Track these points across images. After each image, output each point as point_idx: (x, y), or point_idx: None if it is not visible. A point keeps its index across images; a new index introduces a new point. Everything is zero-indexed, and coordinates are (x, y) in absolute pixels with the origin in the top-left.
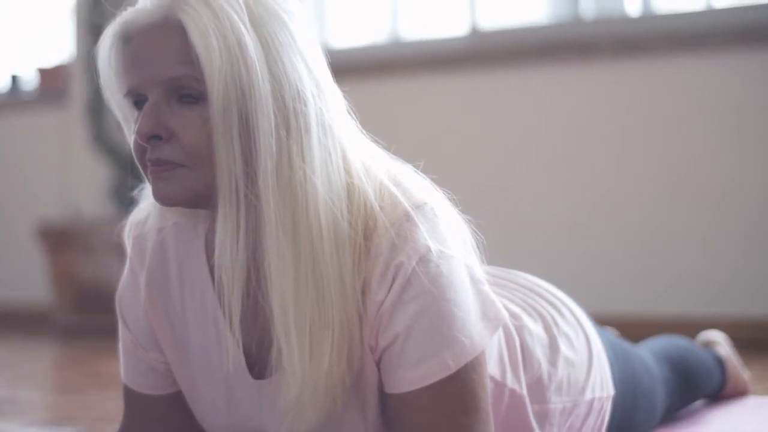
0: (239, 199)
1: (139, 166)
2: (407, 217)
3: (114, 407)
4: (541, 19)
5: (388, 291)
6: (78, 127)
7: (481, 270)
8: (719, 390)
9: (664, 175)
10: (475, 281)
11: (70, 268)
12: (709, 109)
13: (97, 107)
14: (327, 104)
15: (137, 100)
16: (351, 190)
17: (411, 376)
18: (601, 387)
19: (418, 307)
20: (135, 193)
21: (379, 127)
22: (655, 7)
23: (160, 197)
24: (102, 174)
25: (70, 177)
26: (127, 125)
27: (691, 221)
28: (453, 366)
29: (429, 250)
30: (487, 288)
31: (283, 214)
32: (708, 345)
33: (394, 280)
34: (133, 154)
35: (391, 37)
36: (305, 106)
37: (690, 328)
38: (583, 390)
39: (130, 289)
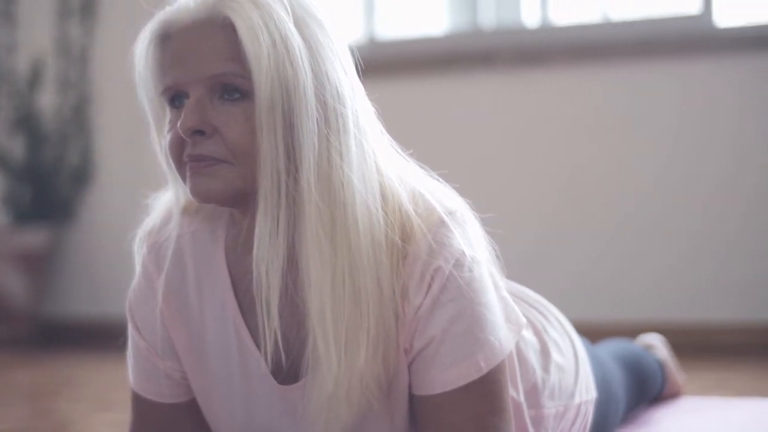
0: (280, 195)
1: (173, 163)
2: (442, 222)
3: (44, 420)
4: (441, 29)
5: (426, 294)
6: None
7: (498, 276)
8: (659, 392)
9: (562, 181)
10: (497, 287)
11: None
12: (606, 118)
13: None
14: (361, 106)
15: (175, 97)
16: (385, 192)
17: (444, 378)
18: (587, 390)
19: (454, 310)
20: (148, 201)
21: None
22: (553, 19)
23: (201, 193)
24: None
25: None
26: (158, 124)
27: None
28: (485, 368)
29: (464, 255)
30: (506, 294)
31: (322, 210)
32: (647, 349)
33: (431, 283)
34: (168, 150)
35: None
36: (344, 106)
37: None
38: (572, 394)
39: (143, 296)
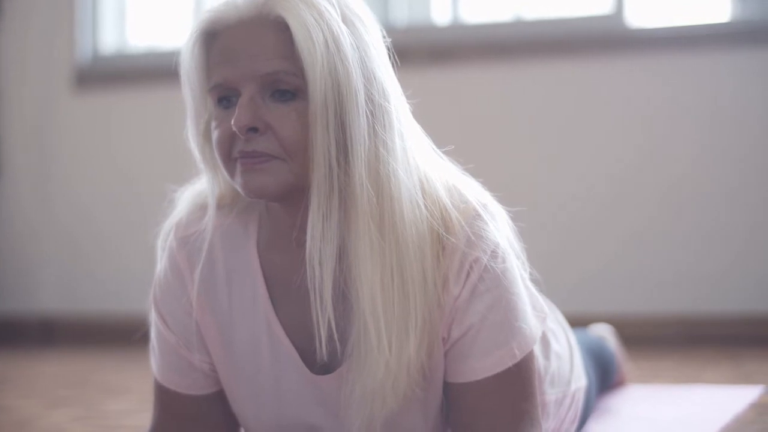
0: (333, 190)
1: (221, 160)
2: (478, 215)
3: None
4: None
5: (464, 284)
6: None
7: (522, 266)
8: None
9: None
10: (522, 277)
11: None
12: (517, 116)
13: None
14: (400, 102)
15: (224, 95)
16: (423, 185)
17: (481, 366)
18: (579, 378)
19: (491, 299)
20: (173, 196)
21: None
22: (465, 18)
23: (254, 189)
24: None
25: None
26: (197, 120)
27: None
28: (518, 355)
29: (498, 246)
30: (530, 283)
31: (372, 204)
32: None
33: (469, 274)
34: (216, 146)
35: (118, 48)
36: (388, 102)
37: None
38: (569, 381)
39: (171, 290)
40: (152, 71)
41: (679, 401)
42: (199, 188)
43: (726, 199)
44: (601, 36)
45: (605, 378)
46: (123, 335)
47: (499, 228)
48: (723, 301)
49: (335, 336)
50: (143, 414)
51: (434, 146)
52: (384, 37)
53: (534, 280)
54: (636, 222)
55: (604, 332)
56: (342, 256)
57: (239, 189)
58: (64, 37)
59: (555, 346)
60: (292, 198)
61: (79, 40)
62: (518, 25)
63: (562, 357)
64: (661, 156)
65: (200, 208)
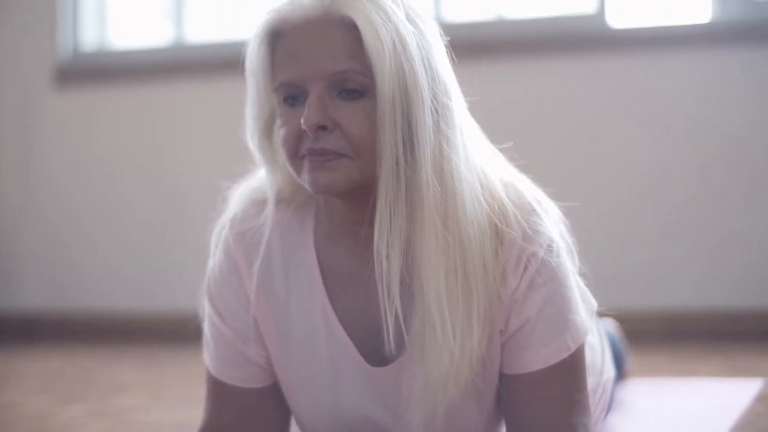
0: (399, 187)
1: (287, 157)
2: (533, 210)
3: None
4: None
5: (521, 278)
6: None
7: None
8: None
9: None
10: (572, 271)
11: None
12: (498, 117)
13: None
14: (460, 100)
15: (290, 94)
16: (482, 181)
17: (537, 357)
18: (609, 368)
19: (548, 292)
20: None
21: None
22: (446, 16)
23: (322, 186)
24: None
25: None
26: (259, 117)
27: None
28: (572, 347)
29: (553, 241)
30: (579, 277)
31: (438, 199)
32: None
33: (526, 267)
34: (283, 144)
35: (99, 45)
36: (450, 100)
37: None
38: (601, 371)
39: (227, 285)
40: (134, 68)
41: (684, 394)
42: (252, 185)
43: (716, 198)
44: (583, 36)
45: (617, 371)
46: (108, 332)
47: (553, 223)
48: (707, 298)
49: (402, 328)
50: (156, 410)
51: (491, 142)
52: (442, 35)
53: (582, 274)
54: (627, 221)
55: (610, 327)
56: (407, 249)
57: (307, 186)
58: (46, 34)
59: (589, 337)
60: (357, 194)
61: (60, 37)
62: (500, 24)
63: (595, 348)
64: (643, 154)
65: (255, 204)
